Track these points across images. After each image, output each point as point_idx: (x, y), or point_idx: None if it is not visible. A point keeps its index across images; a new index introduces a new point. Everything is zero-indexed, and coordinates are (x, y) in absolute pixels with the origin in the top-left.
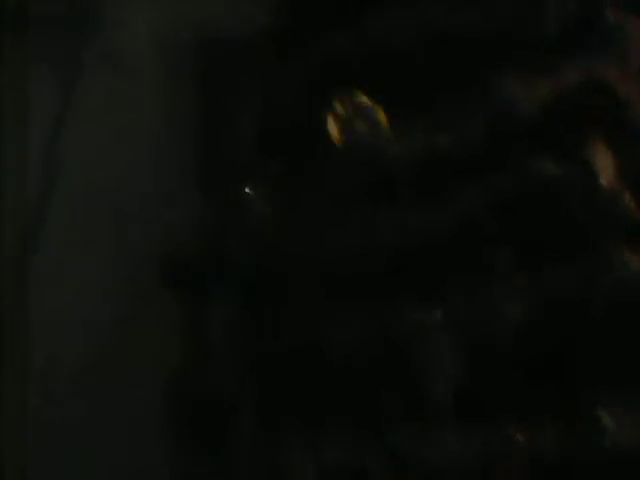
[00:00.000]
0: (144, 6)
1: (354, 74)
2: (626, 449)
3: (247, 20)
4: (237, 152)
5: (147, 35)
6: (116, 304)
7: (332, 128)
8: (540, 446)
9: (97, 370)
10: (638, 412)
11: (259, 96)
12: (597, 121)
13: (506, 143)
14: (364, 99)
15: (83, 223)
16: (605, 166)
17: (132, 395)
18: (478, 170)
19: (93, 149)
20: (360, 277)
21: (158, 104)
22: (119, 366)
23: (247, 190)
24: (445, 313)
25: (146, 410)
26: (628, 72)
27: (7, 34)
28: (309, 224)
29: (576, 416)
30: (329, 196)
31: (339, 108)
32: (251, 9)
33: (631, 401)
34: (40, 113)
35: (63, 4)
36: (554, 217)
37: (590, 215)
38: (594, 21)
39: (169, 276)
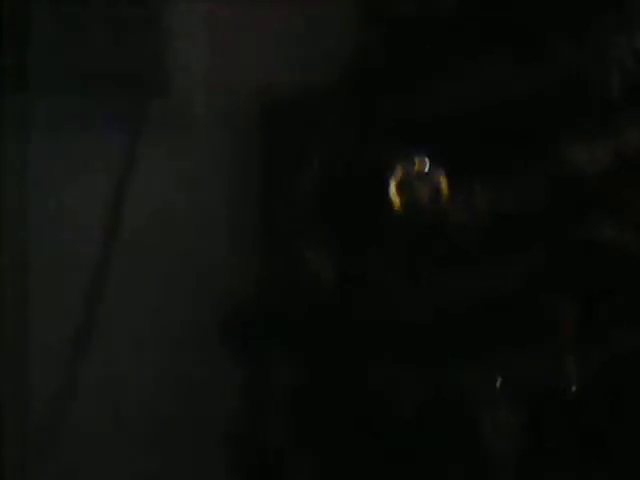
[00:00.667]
0: (208, 69)
1: (417, 137)
2: None
3: (311, 81)
4: (299, 214)
5: (211, 95)
6: (176, 363)
7: (394, 193)
8: None
9: (161, 430)
10: None
11: (322, 157)
12: None
13: (569, 207)
14: (426, 164)
15: (141, 284)
16: None
17: (195, 451)
18: (540, 235)
19: (153, 209)
20: (424, 339)
21: (221, 167)
22: (182, 426)
23: (309, 253)
24: (508, 378)
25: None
26: None
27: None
28: (372, 289)
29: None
30: (392, 261)
31: (401, 173)
32: (315, 69)
33: None
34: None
35: (129, 61)
36: (616, 275)
37: None
38: None
39: (228, 336)
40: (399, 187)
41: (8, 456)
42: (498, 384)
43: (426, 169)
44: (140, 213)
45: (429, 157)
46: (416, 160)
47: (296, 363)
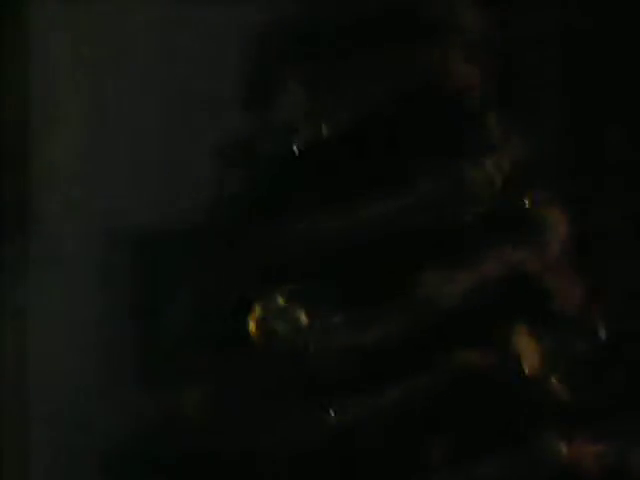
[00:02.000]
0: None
1: (277, 274)
2: None
3: (171, 212)
4: (172, 347)
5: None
6: None
7: (253, 329)
8: None
9: None
10: None
11: (188, 293)
12: (520, 310)
13: (429, 338)
14: (283, 300)
15: None
16: (530, 354)
17: None
18: (403, 366)
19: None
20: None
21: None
22: None
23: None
24: None
25: None
26: (549, 260)
27: None
28: (236, 420)
29: None
30: (255, 393)
31: (259, 310)
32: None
33: None
34: None
35: None
36: (482, 407)
37: (517, 403)
38: (514, 211)
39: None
40: (258, 323)
41: None
42: None
43: (284, 305)
44: None
45: (290, 292)
46: (274, 297)
47: None
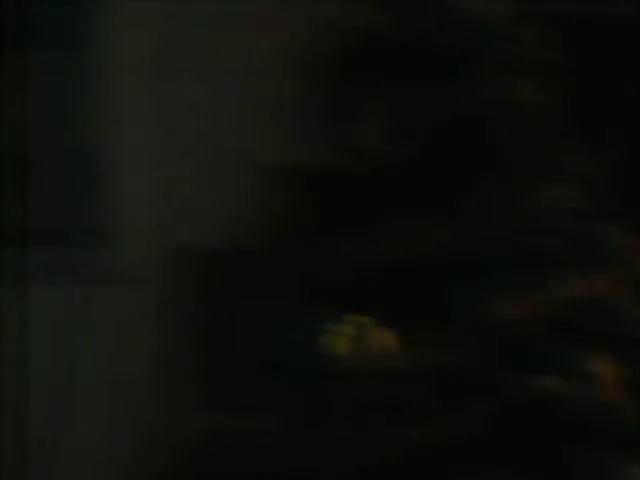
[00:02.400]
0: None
1: (354, 295)
2: None
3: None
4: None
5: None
6: None
7: (339, 348)
8: None
9: None
10: None
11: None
12: (596, 335)
13: (509, 361)
14: (368, 320)
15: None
16: (606, 378)
17: None
18: (484, 386)
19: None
20: None
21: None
22: None
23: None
24: None
25: None
26: (624, 284)
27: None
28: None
29: None
30: (339, 414)
31: (346, 329)
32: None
33: None
34: None
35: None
36: (556, 433)
37: (592, 429)
38: (591, 236)
39: None
40: (345, 342)
41: None
42: None
43: (370, 325)
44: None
45: (374, 314)
46: (360, 317)
47: None
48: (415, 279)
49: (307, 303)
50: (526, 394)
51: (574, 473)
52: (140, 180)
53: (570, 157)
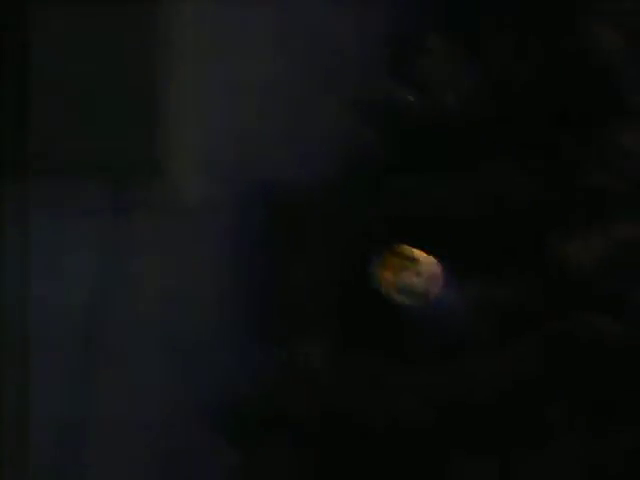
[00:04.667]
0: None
1: (412, 230)
2: None
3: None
4: (298, 307)
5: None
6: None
7: (385, 279)
8: None
9: None
10: None
11: (320, 249)
12: None
13: (562, 299)
14: (417, 252)
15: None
16: None
17: None
18: (533, 324)
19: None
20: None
21: (214, 254)
22: None
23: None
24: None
25: None
26: None
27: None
28: (364, 380)
29: None
30: (384, 351)
31: (392, 260)
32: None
33: None
34: None
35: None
36: (611, 372)
37: None
38: None
39: (229, 426)
40: (390, 273)
41: None
42: None
43: (418, 257)
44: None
45: (426, 247)
46: (407, 248)
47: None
48: (484, 221)
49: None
50: (585, 333)
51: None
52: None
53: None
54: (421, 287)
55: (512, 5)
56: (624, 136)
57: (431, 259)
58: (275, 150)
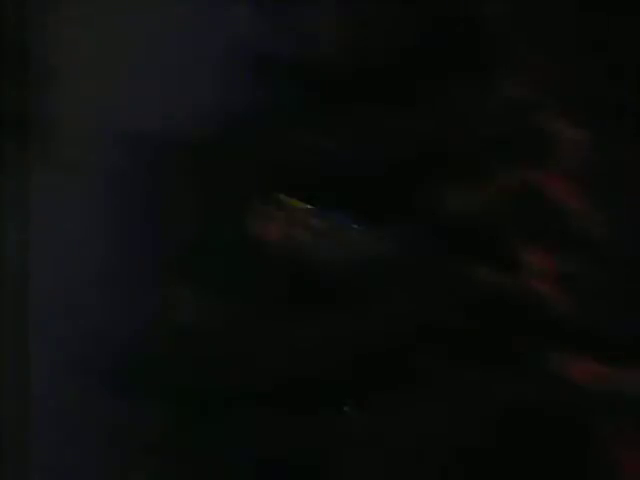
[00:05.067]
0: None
1: (293, 181)
2: None
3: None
4: (179, 258)
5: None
6: None
7: (266, 229)
8: None
9: None
10: None
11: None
12: (534, 227)
13: (444, 251)
14: (299, 203)
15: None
16: (543, 271)
17: None
18: (417, 278)
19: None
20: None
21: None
22: None
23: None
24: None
25: None
26: (563, 177)
27: None
28: (239, 325)
29: None
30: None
31: (274, 211)
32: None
33: None
34: None
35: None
36: (489, 321)
37: (525, 322)
38: (529, 127)
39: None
40: (273, 223)
41: None
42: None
43: (300, 208)
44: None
45: (308, 198)
46: (289, 199)
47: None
48: (366, 170)
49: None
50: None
51: (507, 362)
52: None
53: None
54: (300, 237)
55: None
56: (507, 86)
57: (311, 209)
58: (156, 104)
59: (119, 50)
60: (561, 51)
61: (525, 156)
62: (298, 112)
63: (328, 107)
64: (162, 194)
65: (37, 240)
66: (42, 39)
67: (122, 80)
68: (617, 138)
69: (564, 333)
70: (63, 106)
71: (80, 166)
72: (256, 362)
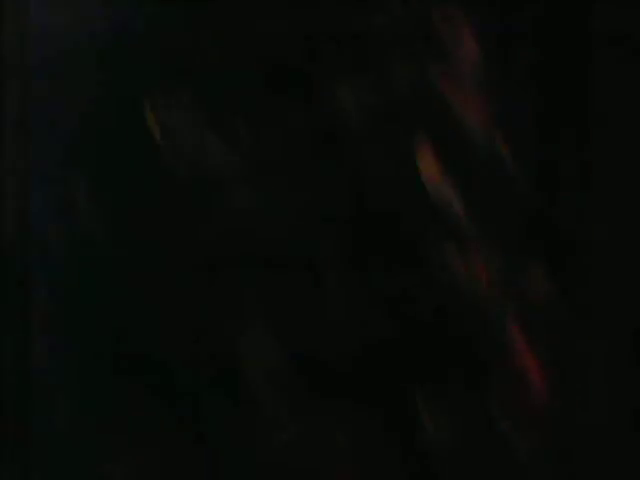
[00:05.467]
0: None
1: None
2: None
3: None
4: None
5: None
6: None
7: (154, 127)
8: None
9: None
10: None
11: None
12: (424, 125)
13: (335, 146)
14: (185, 100)
15: None
16: (430, 166)
17: None
18: (305, 175)
19: None
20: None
21: None
22: None
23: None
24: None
25: None
26: (454, 74)
27: None
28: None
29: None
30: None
31: (160, 108)
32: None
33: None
34: None
35: None
36: (381, 221)
37: (416, 216)
38: (424, 24)
39: None
40: (158, 121)
41: None
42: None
43: (185, 106)
44: None
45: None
46: (175, 96)
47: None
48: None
49: None
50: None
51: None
52: None
53: None
54: (186, 134)
55: None
56: None
57: (196, 106)
58: None
59: None
60: None
61: (417, 51)
62: None
63: None
64: None
65: None
66: None
67: None
68: None
69: (452, 228)
70: None
71: None
72: None
